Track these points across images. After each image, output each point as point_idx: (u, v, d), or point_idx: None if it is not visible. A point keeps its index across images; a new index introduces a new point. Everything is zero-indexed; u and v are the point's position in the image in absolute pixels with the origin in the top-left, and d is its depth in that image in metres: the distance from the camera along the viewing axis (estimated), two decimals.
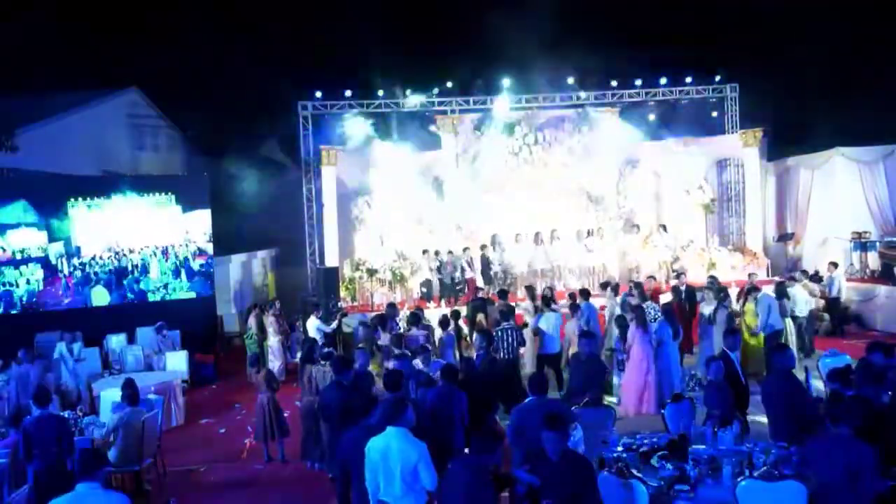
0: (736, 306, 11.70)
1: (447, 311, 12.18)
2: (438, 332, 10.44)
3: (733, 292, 12.86)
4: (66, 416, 7.87)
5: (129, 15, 19.87)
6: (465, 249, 15.57)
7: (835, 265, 13.98)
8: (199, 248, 15.08)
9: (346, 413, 6.32)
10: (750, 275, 13.47)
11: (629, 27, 19.32)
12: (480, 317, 11.22)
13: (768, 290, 11.77)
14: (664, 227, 16.63)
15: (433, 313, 13.13)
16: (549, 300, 11.11)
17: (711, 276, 12.96)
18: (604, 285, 12.61)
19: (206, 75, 19.49)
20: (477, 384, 7.20)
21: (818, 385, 8.04)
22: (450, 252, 15.38)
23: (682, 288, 12.30)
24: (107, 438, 7.41)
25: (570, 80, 17.64)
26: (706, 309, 10.91)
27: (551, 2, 15.88)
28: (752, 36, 17.29)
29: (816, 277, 13.86)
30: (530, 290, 12.24)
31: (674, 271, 15.20)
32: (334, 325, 12.45)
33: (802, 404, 6.13)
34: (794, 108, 16.79)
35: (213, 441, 9.70)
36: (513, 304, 11.76)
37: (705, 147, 18.10)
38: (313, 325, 11.72)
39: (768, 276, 16.18)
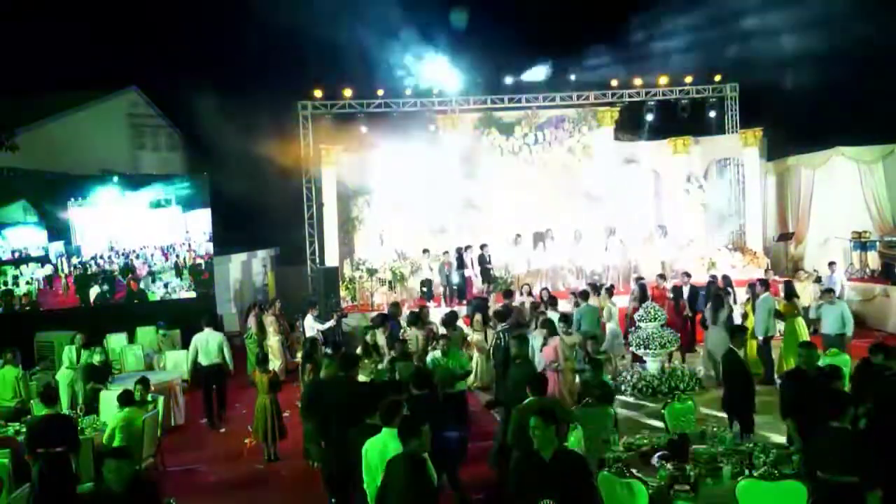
0: (736, 306, 11.68)
1: (447, 310, 12.14)
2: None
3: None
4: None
5: (129, 15, 19.84)
6: (467, 247, 15.51)
7: (833, 265, 13.94)
8: (199, 248, 15.08)
9: (348, 412, 6.30)
10: (724, 276, 12.86)
11: (629, 27, 19.30)
12: (478, 317, 11.21)
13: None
14: (664, 227, 16.62)
15: (434, 313, 13.09)
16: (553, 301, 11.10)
17: (725, 276, 12.83)
18: (591, 286, 12.16)
19: (205, 75, 19.46)
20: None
21: None
22: (445, 252, 15.35)
23: (685, 288, 12.21)
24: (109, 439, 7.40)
25: (571, 80, 17.63)
26: (709, 308, 10.88)
27: (551, 2, 15.89)
28: (751, 35, 17.28)
29: (816, 278, 13.84)
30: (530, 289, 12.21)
31: (674, 270, 15.16)
32: (330, 323, 12.37)
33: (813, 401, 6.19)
34: (794, 108, 16.77)
35: (213, 441, 9.70)
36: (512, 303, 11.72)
37: (705, 147, 18.11)
38: (309, 324, 11.74)
39: (767, 275, 16.13)
